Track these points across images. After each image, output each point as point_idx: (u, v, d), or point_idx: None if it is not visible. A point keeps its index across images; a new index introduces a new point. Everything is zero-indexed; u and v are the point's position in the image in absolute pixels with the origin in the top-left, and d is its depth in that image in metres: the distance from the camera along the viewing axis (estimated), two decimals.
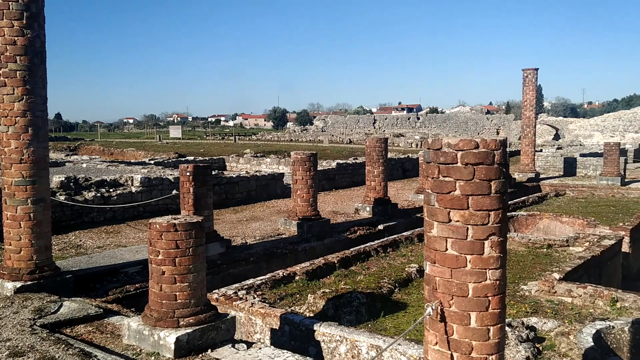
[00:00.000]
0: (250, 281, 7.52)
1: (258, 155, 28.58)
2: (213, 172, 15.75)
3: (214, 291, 7.12)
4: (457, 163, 3.32)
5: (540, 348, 5.49)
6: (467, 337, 3.35)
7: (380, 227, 12.46)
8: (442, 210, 3.41)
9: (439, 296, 3.44)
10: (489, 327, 3.36)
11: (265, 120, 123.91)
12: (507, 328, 5.56)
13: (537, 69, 21.03)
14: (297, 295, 7.30)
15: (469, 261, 3.34)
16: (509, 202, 15.86)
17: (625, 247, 11.45)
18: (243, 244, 10.39)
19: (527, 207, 15.87)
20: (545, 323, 6.14)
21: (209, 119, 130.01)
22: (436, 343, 3.46)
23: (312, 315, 6.57)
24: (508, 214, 13.52)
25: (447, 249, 3.40)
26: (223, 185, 15.71)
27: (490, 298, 3.36)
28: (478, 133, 57.31)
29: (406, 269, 8.38)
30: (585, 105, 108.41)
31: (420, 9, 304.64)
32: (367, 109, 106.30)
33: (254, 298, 6.85)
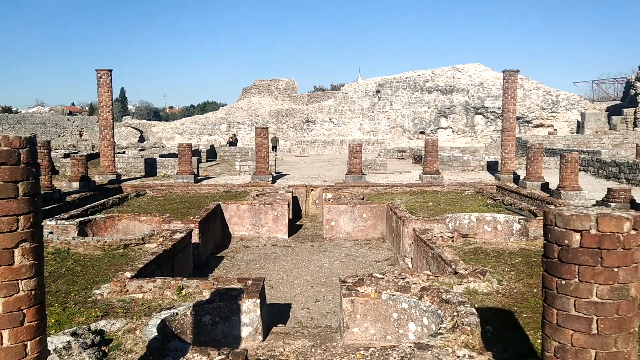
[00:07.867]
0: None
1: None
2: None
3: None
4: None
5: (107, 350, 5.43)
6: None
7: None
8: None
9: None
10: (25, 342, 3.05)
11: None
12: (71, 337, 5.29)
13: (111, 70, 20.97)
14: None
15: None
16: (88, 206, 15.42)
17: (195, 238, 12.67)
18: None
19: (107, 209, 15.75)
20: (114, 324, 6.12)
21: None
22: None
23: None
24: (85, 218, 13.19)
25: None
26: None
27: (25, 311, 3.05)
28: (59, 135, 54.31)
29: None
30: (167, 110, 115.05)
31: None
32: None
33: None
